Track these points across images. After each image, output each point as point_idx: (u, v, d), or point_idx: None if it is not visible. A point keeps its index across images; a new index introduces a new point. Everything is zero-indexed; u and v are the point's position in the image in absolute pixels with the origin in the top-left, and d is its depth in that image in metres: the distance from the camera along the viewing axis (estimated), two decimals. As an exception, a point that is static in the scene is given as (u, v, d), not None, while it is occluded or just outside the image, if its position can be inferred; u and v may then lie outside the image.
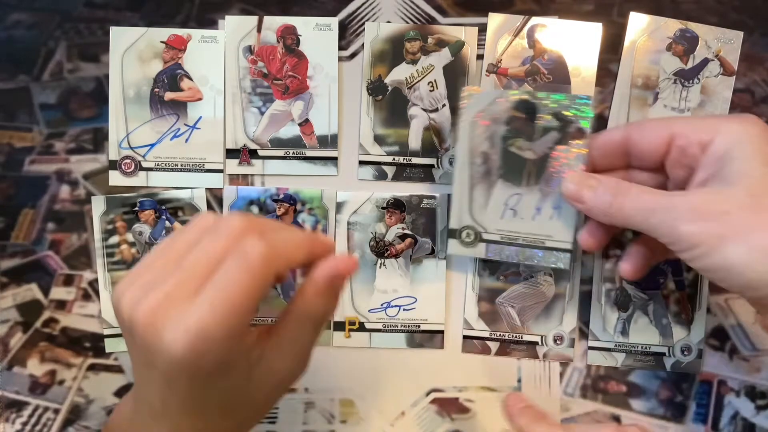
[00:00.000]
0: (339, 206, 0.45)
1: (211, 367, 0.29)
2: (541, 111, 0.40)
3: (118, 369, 0.45)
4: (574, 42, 0.45)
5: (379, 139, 0.45)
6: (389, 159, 0.45)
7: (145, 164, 0.45)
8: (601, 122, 0.45)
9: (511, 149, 0.40)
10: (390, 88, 0.45)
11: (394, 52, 0.45)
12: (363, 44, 0.45)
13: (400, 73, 0.45)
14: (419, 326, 0.45)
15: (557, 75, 0.45)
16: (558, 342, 0.45)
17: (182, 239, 0.31)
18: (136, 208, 0.45)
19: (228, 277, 0.29)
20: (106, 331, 0.45)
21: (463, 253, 0.42)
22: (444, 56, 0.45)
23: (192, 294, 0.28)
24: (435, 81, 0.45)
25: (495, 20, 0.45)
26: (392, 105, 0.45)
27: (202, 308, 0.28)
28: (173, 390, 0.30)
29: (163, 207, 0.45)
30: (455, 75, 0.45)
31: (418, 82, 0.45)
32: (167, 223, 0.45)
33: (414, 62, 0.45)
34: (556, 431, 0.37)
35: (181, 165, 0.45)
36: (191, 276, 0.29)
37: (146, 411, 0.32)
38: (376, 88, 0.45)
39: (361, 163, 0.45)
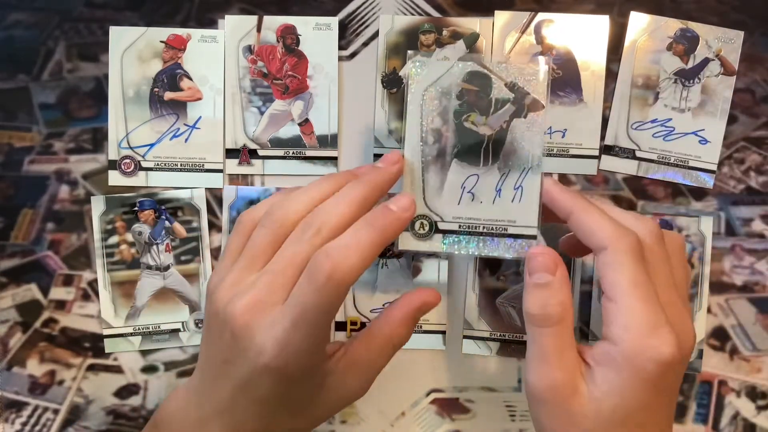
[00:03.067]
0: (339, 206, 0.45)
1: (293, 373, 0.31)
2: (494, 82, 0.37)
3: (117, 369, 0.45)
4: (582, 36, 0.44)
5: (393, 132, 0.45)
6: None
7: (144, 164, 0.45)
8: (602, 122, 0.45)
9: (465, 125, 0.37)
10: (404, 81, 0.45)
11: (408, 44, 0.45)
12: (363, 44, 0.45)
13: None
14: (421, 326, 0.45)
15: (566, 70, 0.45)
16: (558, 342, 0.45)
17: (265, 234, 0.33)
18: (136, 208, 0.45)
19: (302, 297, 0.30)
20: (106, 332, 0.45)
21: (417, 248, 0.36)
22: (459, 49, 0.45)
23: (280, 300, 0.31)
24: None
25: (501, 17, 0.45)
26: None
27: (286, 322, 0.30)
28: (249, 389, 0.31)
29: (163, 207, 0.45)
30: None
31: None
32: (167, 223, 0.45)
33: (429, 54, 0.45)
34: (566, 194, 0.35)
35: (181, 165, 0.45)
36: (280, 283, 0.31)
37: (208, 404, 0.33)
38: (390, 80, 0.45)
39: (376, 156, 0.45)
